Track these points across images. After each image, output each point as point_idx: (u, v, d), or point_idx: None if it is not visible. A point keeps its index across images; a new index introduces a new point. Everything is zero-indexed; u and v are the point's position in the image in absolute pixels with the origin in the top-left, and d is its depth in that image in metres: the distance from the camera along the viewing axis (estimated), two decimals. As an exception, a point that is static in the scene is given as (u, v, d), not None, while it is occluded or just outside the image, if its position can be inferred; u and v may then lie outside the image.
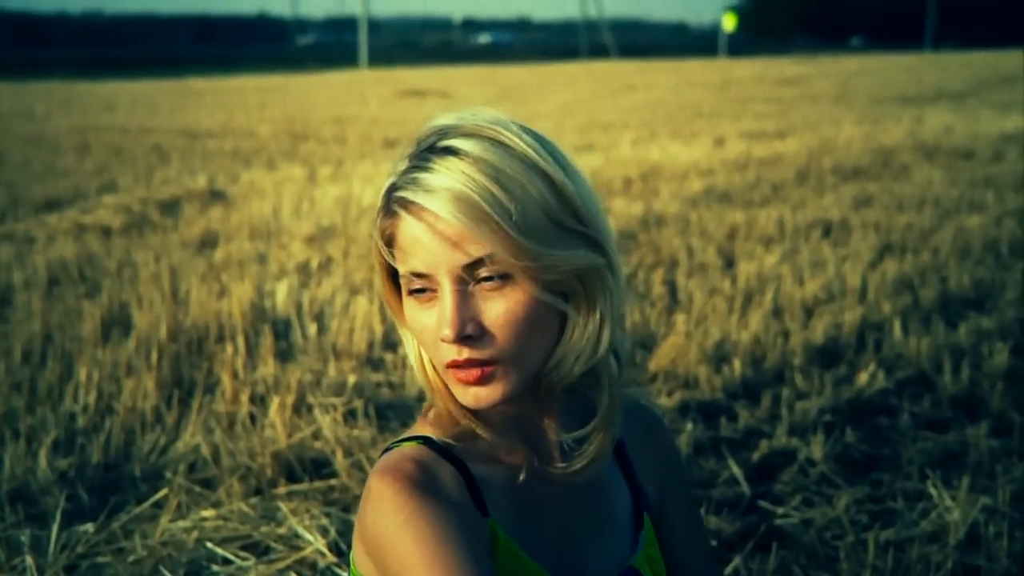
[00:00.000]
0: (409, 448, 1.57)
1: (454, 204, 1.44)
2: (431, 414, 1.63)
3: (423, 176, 1.47)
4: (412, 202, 1.47)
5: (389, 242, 1.52)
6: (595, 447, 1.60)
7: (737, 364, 5.14)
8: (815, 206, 9.76)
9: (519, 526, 1.60)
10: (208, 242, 8.65)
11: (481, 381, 1.48)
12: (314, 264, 7.59)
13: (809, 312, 6.12)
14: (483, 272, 1.45)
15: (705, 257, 7.59)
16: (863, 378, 4.99)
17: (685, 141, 15.63)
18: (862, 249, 7.77)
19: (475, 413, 1.57)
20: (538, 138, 1.53)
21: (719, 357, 5.32)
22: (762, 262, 7.30)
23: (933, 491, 3.79)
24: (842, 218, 9.08)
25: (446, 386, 1.55)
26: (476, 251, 1.44)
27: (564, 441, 1.61)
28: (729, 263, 7.52)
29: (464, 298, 1.47)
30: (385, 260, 1.54)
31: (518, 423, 1.61)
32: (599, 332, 1.54)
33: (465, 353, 1.47)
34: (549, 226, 1.47)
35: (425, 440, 1.58)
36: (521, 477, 1.60)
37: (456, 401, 1.55)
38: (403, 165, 1.53)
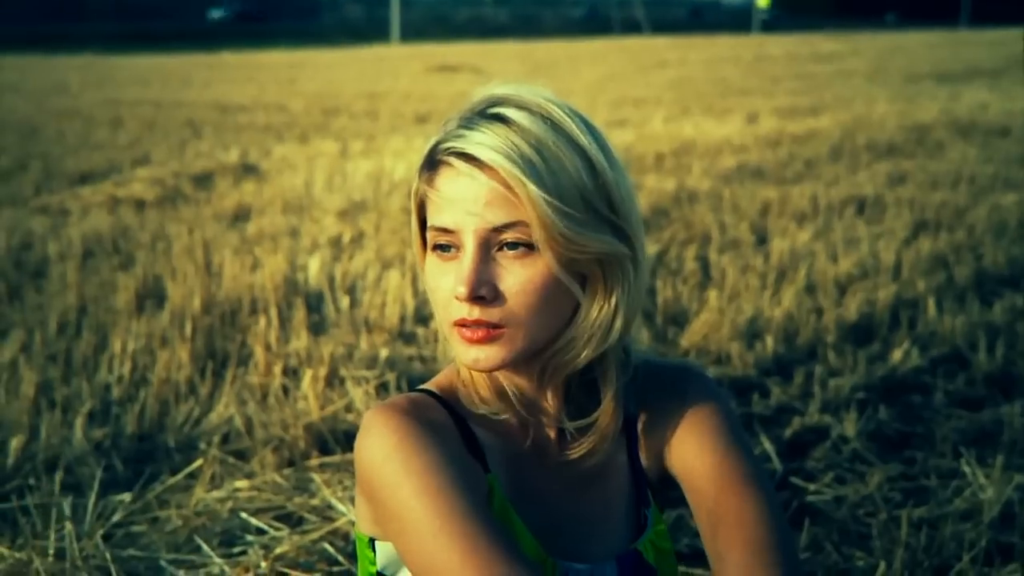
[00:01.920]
0: (410, 393, 1.61)
1: (493, 166, 1.45)
2: (442, 376, 1.66)
3: (468, 134, 1.48)
4: (453, 157, 1.49)
5: (425, 194, 1.54)
6: (595, 438, 1.61)
7: (770, 341, 5.13)
8: (849, 183, 9.71)
9: (517, 491, 1.61)
10: (241, 215, 8.68)
11: (485, 341, 1.49)
12: (346, 238, 7.60)
13: (842, 289, 6.09)
14: (509, 237, 1.47)
15: (738, 233, 7.56)
16: (897, 355, 4.97)
17: (718, 117, 15.55)
18: (896, 226, 7.73)
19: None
20: (586, 122, 1.53)
21: (752, 333, 5.31)
22: (795, 239, 7.27)
23: (967, 469, 3.78)
24: (876, 195, 9.02)
25: None
26: (506, 216, 1.46)
27: (567, 429, 1.62)
28: (762, 240, 7.49)
29: (485, 260, 1.48)
30: (420, 212, 1.57)
31: (524, 402, 1.61)
32: (612, 320, 1.54)
33: (476, 313, 1.48)
34: (581, 206, 1.48)
35: (425, 391, 1.61)
36: (526, 445, 1.62)
37: None
38: (452, 125, 1.54)
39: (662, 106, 17.61)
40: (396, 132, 14.74)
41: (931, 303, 5.69)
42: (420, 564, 1.46)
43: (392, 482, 1.46)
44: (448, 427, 1.56)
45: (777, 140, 12.81)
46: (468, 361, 1.51)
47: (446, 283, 1.51)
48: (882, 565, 3.04)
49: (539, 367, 1.57)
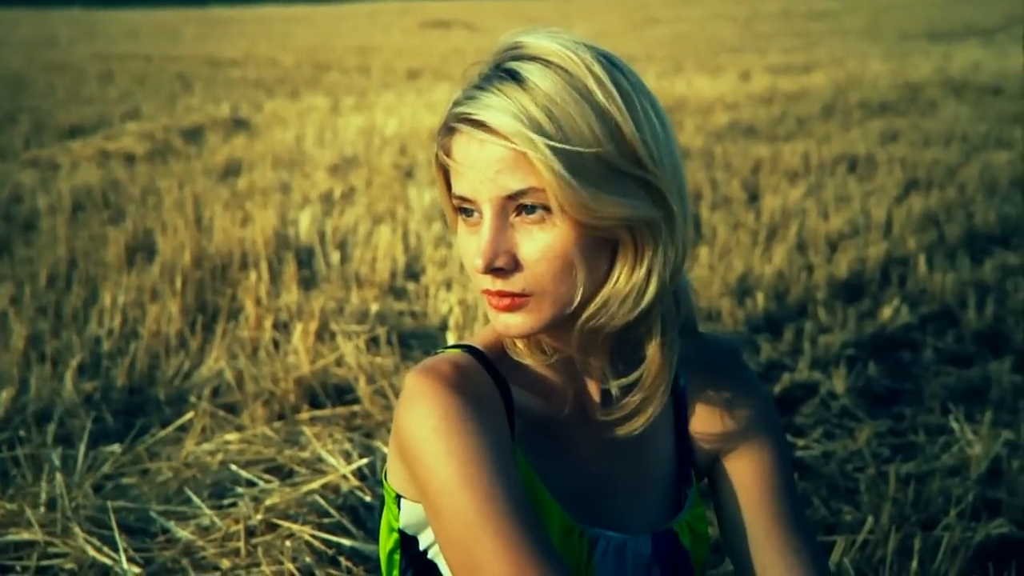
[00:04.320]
0: (452, 353, 1.55)
1: (503, 132, 1.39)
2: (488, 329, 1.61)
3: (481, 97, 1.42)
4: (463, 124, 1.43)
5: (444, 161, 1.49)
6: (640, 398, 1.53)
7: (760, 298, 5.13)
8: (841, 141, 9.69)
9: (546, 462, 1.56)
10: (231, 170, 8.65)
11: (512, 309, 1.45)
12: (337, 193, 7.58)
13: (833, 247, 6.10)
14: (525, 202, 1.42)
15: (729, 191, 7.56)
16: (887, 313, 4.98)
17: (710, 74, 15.51)
18: (888, 184, 7.72)
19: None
20: (612, 71, 1.44)
21: (742, 291, 5.31)
22: (787, 196, 7.26)
23: (955, 425, 3.79)
24: (868, 153, 9.01)
25: None
26: (518, 183, 1.40)
27: (609, 388, 1.56)
28: (753, 197, 7.48)
29: (502, 229, 1.43)
30: (444, 177, 1.52)
31: (565, 364, 1.56)
32: (644, 284, 1.46)
33: (498, 285, 1.44)
34: (600, 168, 1.40)
35: (471, 349, 1.56)
36: (564, 412, 1.57)
37: None
38: (468, 83, 1.48)
39: (654, 63, 17.54)
40: (388, 88, 14.67)
41: (922, 261, 5.69)
42: (451, 547, 1.44)
43: (432, 462, 1.43)
44: (491, 397, 1.51)
45: (770, 98, 12.78)
46: (499, 328, 1.48)
47: (471, 251, 1.47)
48: (870, 520, 3.06)
49: (575, 331, 1.50)
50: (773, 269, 5.50)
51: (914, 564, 2.88)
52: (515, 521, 1.40)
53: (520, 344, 1.55)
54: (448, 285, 5.31)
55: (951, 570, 2.89)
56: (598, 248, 1.45)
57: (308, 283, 5.40)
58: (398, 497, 1.57)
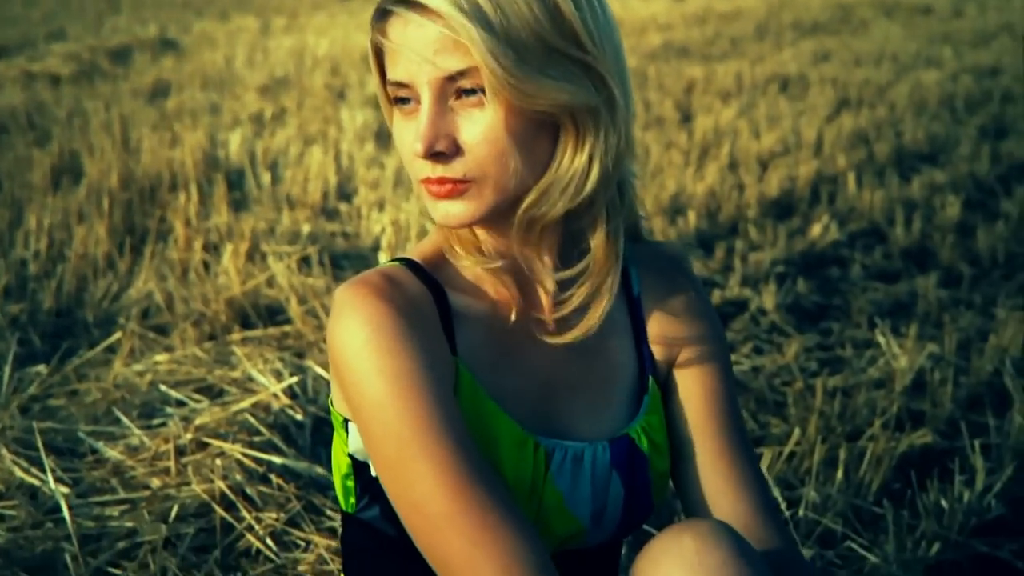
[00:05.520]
0: (386, 265, 1.51)
1: (439, 12, 1.35)
2: (427, 240, 1.57)
3: None
4: (400, 5, 1.38)
5: (380, 45, 1.44)
6: (588, 291, 1.50)
7: (692, 216, 5.15)
8: (773, 61, 9.71)
9: (493, 370, 1.52)
10: (159, 91, 8.51)
11: (452, 196, 1.41)
12: (267, 115, 7.49)
13: (764, 165, 6.13)
14: (464, 85, 1.38)
15: (662, 111, 7.55)
16: (816, 230, 5.02)
17: (644, -5, 15.44)
18: (819, 104, 7.76)
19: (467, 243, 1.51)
20: None
21: (674, 209, 5.33)
22: (719, 116, 7.27)
23: (881, 339, 3.85)
24: (800, 73, 9.04)
25: None
26: (458, 63, 1.36)
27: (556, 280, 1.51)
28: (686, 117, 7.49)
29: (441, 113, 1.39)
30: (379, 65, 1.46)
31: (510, 269, 1.52)
32: (587, 171, 1.44)
33: (438, 171, 1.40)
34: (539, 48, 1.37)
35: (405, 261, 1.52)
36: (512, 318, 1.52)
37: None
38: None
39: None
40: (319, 9, 14.48)
41: (851, 179, 5.74)
42: (383, 468, 1.42)
43: (363, 380, 1.40)
44: (427, 309, 1.47)
45: (703, 18, 12.75)
46: (438, 217, 1.43)
47: (408, 139, 1.42)
48: (796, 431, 3.10)
49: (515, 222, 1.46)
50: (705, 188, 5.52)
51: (839, 474, 2.93)
52: (448, 440, 1.39)
53: (460, 248, 1.51)
54: (380, 206, 5.28)
55: (875, 479, 2.94)
56: (539, 132, 1.42)
57: (239, 205, 5.35)
58: (346, 421, 1.54)
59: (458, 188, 1.41)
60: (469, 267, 1.53)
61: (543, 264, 1.52)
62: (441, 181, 1.41)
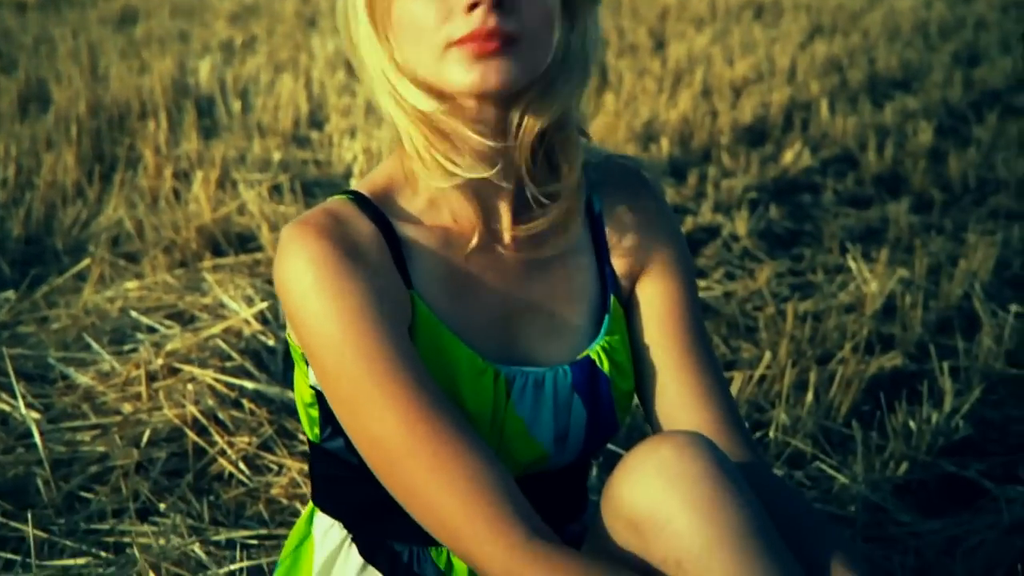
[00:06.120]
0: (332, 201, 1.47)
1: None
2: (378, 170, 1.53)
3: None
4: None
5: None
6: (562, 208, 1.49)
7: (665, 143, 5.14)
8: (748, -12, 9.66)
9: (450, 300, 1.49)
10: (128, 18, 8.40)
11: (498, 53, 1.35)
12: (238, 42, 7.42)
13: (738, 92, 6.11)
14: None
15: (635, 38, 7.51)
16: (789, 157, 5.02)
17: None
18: (792, 30, 7.73)
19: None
20: None
21: (647, 136, 5.31)
22: (692, 43, 7.23)
23: (852, 264, 3.86)
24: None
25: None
26: None
27: (531, 195, 1.48)
28: (659, 44, 7.45)
29: None
30: None
31: (471, 189, 1.47)
32: (586, 56, 1.45)
33: (492, 20, 1.34)
34: None
35: (354, 195, 1.48)
36: (473, 242, 1.49)
37: (426, 121, 1.42)
38: None
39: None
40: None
41: (824, 105, 5.73)
42: (339, 406, 1.42)
43: (312, 322, 1.39)
44: (372, 241, 1.43)
45: (677, -55, 12.65)
46: (473, 81, 1.36)
47: (436, 5, 1.36)
48: (767, 355, 3.11)
49: (518, 113, 1.42)
50: (678, 115, 5.50)
51: (809, 396, 2.95)
52: (401, 375, 1.38)
53: (427, 164, 1.44)
54: (352, 133, 5.25)
55: (845, 401, 2.96)
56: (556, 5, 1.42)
57: (209, 132, 5.30)
58: (304, 353, 1.51)
59: (508, 43, 1.36)
60: (426, 192, 1.49)
61: (519, 168, 1.48)
62: (491, 35, 1.34)
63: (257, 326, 3.18)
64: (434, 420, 1.38)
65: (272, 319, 3.26)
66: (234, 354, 3.02)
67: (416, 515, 1.42)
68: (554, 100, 1.43)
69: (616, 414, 1.59)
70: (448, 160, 1.43)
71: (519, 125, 1.43)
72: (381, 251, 1.44)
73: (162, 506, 2.49)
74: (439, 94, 1.41)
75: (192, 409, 2.75)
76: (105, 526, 2.41)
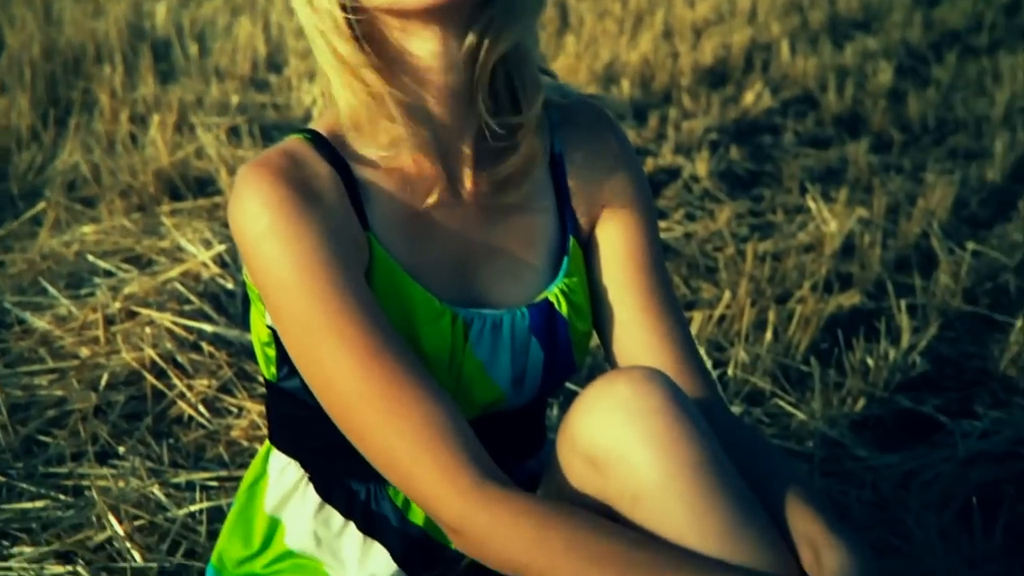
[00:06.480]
0: (289, 141, 1.45)
1: None
2: (338, 107, 1.46)
3: None
4: None
5: None
6: (526, 146, 1.48)
7: (626, 85, 5.12)
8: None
9: (408, 242, 1.47)
10: (81, -39, 8.27)
11: None
12: (194, -16, 7.32)
13: (698, 33, 6.09)
14: None
15: (596, -21, 7.47)
16: (749, 98, 5.02)
17: None
18: (754, -29, 7.71)
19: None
20: None
21: (608, 78, 5.30)
22: (654, -16, 7.20)
23: (812, 204, 3.87)
24: (735, -59, 8.96)
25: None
26: None
27: (490, 128, 1.45)
28: (621, -14, 7.40)
29: None
30: None
31: (448, 93, 1.44)
32: None
33: None
34: None
35: (312, 135, 1.45)
36: (430, 188, 1.46)
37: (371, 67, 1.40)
38: None
39: None
40: None
41: (784, 46, 5.72)
42: (295, 349, 1.41)
43: (267, 265, 1.37)
44: (329, 183, 1.41)
45: None
46: None
47: None
48: (727, 295, 3.13)
49: (475, 36, 1.40)
50: (639, 56, 5.48)
51: (768, 335, 2.97)
52: (355, 317, 1.37)
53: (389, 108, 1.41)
54: (311, 76, 5.19)
55: (803, 339, 2.98)
56: None
57: (166, 76, 5.24)
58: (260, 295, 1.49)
59: None
60: (386, 134, 1.45)
61: (478, 102, 1.45)
62: None
63: (215, 269, 3.16)
64: (388, 363, 1.37)
65: (231, 262, 3.24)
66: (192, 297, 3.00)
67: (370, 457, 1.41)
68: (513, 24, 1.41)
69: (574, 356, 1.58)
70: (404, 112, 1.42)
71: (477, 50, 1.41)
72: (338, 193, 1.42)
73: (121, 449, 2.48)
74: (399, 13, 1.38)
75: (150, 352, 2.73)
76: (64, 469, 2.40)
